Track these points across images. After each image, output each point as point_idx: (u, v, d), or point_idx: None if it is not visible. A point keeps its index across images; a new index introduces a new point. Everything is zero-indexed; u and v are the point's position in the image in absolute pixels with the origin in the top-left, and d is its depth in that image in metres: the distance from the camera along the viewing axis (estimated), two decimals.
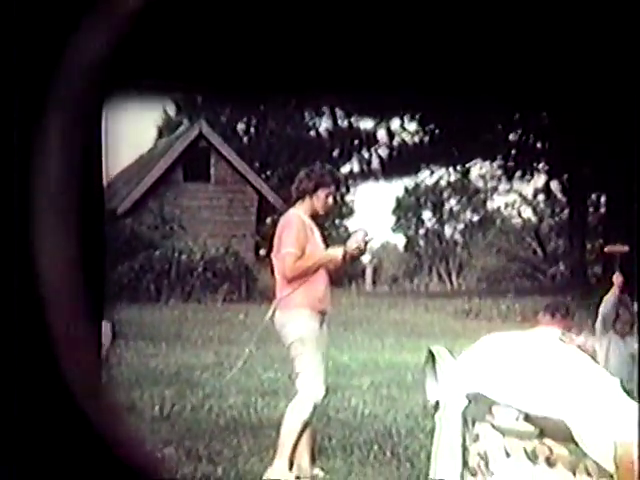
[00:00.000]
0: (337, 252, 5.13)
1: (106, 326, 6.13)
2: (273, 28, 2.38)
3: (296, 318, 4.96)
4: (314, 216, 5.17)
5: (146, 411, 6.85)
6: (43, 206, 1.94)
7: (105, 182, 2.21)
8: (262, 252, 24.02)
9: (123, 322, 10.42)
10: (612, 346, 6.42)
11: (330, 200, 5.18)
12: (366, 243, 5.17)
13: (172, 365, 9.52)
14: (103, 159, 2.14)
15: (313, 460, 5.15)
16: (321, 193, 5.12)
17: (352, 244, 5.13)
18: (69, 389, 2.00)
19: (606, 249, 7.01)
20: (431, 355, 3.93)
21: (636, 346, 6.35)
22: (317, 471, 5.11)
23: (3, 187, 1.97)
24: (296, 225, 5.00)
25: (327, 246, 5.24)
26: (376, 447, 5.76)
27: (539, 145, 25.60)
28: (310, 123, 30.20)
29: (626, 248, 6.56)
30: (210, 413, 6.93)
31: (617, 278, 6.50)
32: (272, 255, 5.16)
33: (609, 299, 6.49)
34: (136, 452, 2.39)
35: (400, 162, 28.36)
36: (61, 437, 2.04)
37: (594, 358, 3.72)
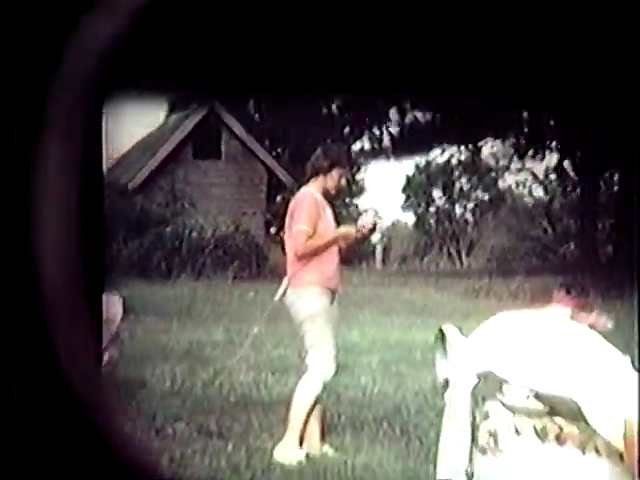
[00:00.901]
0: (349, 231, 5.14)
1: (117, 301, 6.16)
2: (283, 14, 2.37)
3: (307, 296, 4.98)
4: (326, 195, 5.17)
5: (157, 387, 6.90)
6: (43, 207, 1.94)
7: (104, 183, 2.22)
8: (272, 230, 24.03)
9: (134, 298, 10.47)
10: None
11: (343, 181, 5.18)
12: (376, 223, 5.19)
13: (183, 341, 9.57)
14: (103, 159, 2.14)
15: (323, 437, 5.19)
16: (335, 173, 5.12)
17: (363, 223, 5.14)
18: (69, 388, 2.01)
19: None
20: (441, 333, 3.94)
21: None
22: (327, 448, 5.15)
23: (3, 187, 1.97)
24: (309, 203, 5.01)
25: (338, 224, 5.25)
26: (385, 424, 5.79)
27: (551, 123, 25.41)
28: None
29: None
30: (221, 389, 6.98)
31: None
32: (283, 232, 5.17)
33: None
34: (136, 452, 2.41)
35: (411, 140, 28.20)
36: (61, 436, 2.05)
37: (605, 337, 3.71)
